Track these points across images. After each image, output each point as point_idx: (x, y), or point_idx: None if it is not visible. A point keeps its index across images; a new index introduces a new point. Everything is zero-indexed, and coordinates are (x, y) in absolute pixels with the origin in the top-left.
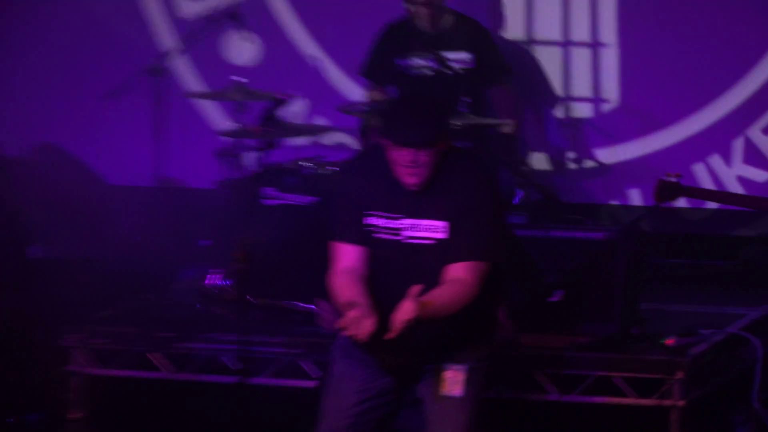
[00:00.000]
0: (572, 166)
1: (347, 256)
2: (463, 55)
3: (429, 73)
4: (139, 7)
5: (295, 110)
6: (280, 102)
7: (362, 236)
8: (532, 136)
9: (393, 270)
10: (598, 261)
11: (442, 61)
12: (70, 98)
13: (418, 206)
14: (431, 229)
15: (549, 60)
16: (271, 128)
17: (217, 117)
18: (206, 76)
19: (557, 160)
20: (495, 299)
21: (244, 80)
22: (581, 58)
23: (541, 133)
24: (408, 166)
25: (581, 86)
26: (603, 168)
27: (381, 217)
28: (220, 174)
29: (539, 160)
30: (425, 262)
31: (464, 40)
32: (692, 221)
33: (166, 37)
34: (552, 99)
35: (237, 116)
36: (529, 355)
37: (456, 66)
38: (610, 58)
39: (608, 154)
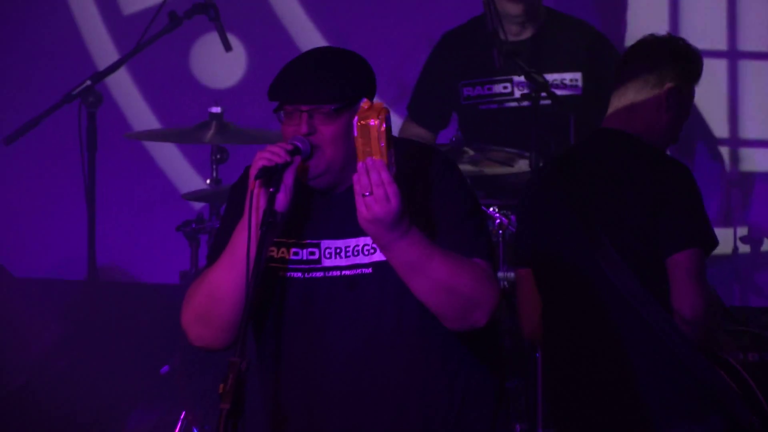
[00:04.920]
0: (742, 248)
1: None
2: (569, 76)
3: (517, 104)
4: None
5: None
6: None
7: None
8: None
9: (315, 324)
10: None
11: (543, 86)
12: None
13: (341, 220)
14: (364, 251)
15: (705, 80)
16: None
17: (182, 170)
18: (164, 105)
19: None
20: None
21: (218, 110)
22: (757, 76)
23: None
24: None
25: (756, 121)
26: None
27: (285, 245)
28: (187, 262)
29: None
30: (364, 306)
31: (569, 51)
32: None
33: (103, 48)
34: (710, 142)
35: (214, 169)
36: None
37: (561, 93)
38: None
39: None
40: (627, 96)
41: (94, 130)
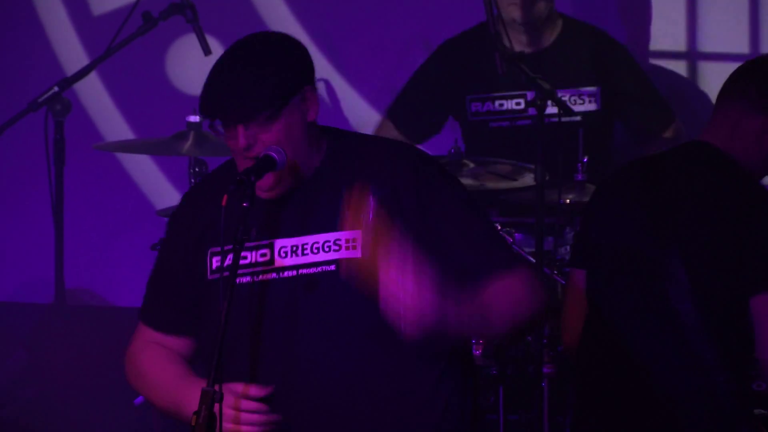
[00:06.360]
0: None
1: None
2: (587, 91)
3: (531, 122)
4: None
5: None
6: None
7: (180, 314)
8: None
9: (268, 329)
10: None
11: (550, 94)
12: None
13: (297, 216)
14: (325, 247)
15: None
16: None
17: (157, 184)
18: (138, 113)
19: None
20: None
21: (197, 119)
22: None
23: None
24: (246, 156)
25: None
26: None
27: (230, 251)
28: None
29: None
30: (328, 306)
31: (587, 64)
32: None
33: (71, 51)
34: None
35: (192, 183)
36: None
37: (578, 110)
38: None
39: None
40: (732, 112)
41: (62, 141)
